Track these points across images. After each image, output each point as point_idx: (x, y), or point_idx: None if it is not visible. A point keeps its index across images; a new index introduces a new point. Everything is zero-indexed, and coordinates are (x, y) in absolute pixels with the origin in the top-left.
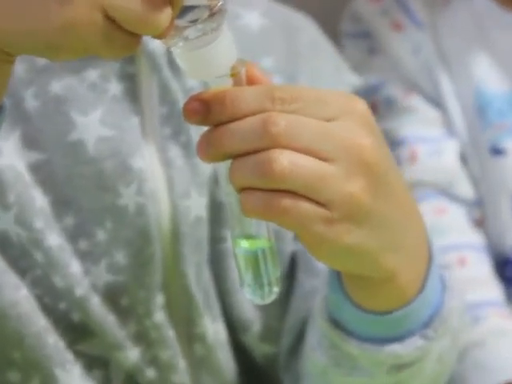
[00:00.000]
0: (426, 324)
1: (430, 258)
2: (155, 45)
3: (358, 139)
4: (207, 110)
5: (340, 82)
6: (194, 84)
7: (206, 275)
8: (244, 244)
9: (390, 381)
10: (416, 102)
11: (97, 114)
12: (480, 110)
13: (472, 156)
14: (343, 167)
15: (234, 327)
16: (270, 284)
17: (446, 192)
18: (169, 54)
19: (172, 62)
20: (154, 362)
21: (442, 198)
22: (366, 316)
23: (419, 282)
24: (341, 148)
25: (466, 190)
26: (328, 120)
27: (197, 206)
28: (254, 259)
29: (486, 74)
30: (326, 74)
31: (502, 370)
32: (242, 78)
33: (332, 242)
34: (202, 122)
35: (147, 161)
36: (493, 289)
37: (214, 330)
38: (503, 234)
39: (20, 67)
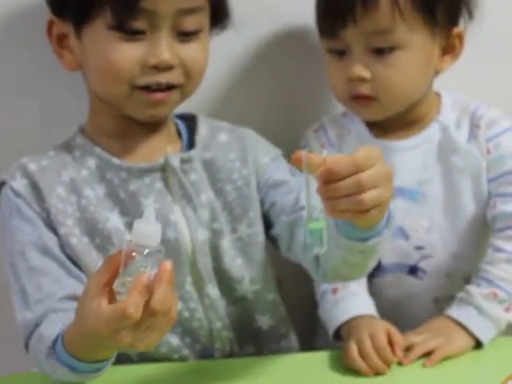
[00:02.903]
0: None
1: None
2: (175, 165)
3: (388, 171)
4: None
5: (271, 151)
6: (197, 178)
7: (210, 265)
8: (312, 225)
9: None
10: None
11: (152, 198)
12: None
13: None
14: (383, 188)
15: (230, 285)
16: (319, 244)
17: None
18: (181, 168)
19: (185, 173)
20: (187, 300)
21: None
22: (363, 232)
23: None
24: (381, 178)
25: None
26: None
27: (202, 235)
28: (313, 233)
29: None
30: (262, 151)
31: (353, 311)
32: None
33: (374, 217)
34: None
35: (176, 216)
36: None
37: (214, 292)
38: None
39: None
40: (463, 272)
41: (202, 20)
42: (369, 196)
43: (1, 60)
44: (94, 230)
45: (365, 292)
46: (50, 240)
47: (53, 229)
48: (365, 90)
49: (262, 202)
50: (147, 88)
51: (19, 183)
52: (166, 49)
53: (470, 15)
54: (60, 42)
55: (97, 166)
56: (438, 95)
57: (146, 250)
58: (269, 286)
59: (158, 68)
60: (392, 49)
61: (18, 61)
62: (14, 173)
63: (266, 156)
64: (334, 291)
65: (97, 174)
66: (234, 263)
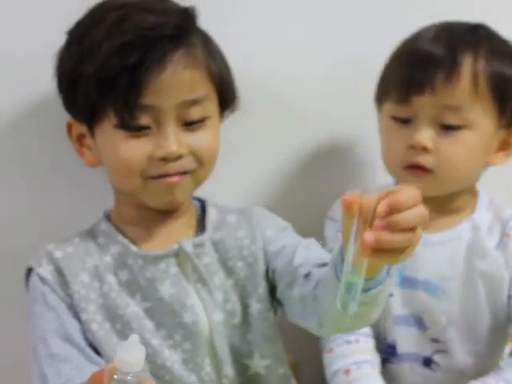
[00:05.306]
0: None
1: None
2: (189, 250)
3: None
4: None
5: (277, 224)
6: (209, 261)
7: (226, 344)
8: (349, 278)
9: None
10: None
11: (168, 283)
12: None
13: None
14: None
15: (243, 362)
16: (354, 301)
17: None
18: (194, 255)
19: (198, 257)
20: (207, 382)
21: None
22: (368, 280)
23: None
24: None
25: None
26: None
27: (218, 316)
28: (350, 288)
29: None
30: (268, 225)
31: None
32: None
33: (402, 259)
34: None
35: (193, 300)
36: (370, 354)
37: (231, 371)
38: (387, 333)
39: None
40: (477, 369)
41: (207, 108)
42: (419, 232)
43: (34, 143)
44: (115, 316)
45: (378, 374)
46: (72, 327)
47: (75, 314)
48: (424, 160)
49: (266, 273)
50: (160, 177)
51: (45, 270)
52: (173, 140)
53: None
54: (80, 141)
55: (119, 253)
56: (476, 192)
57: (129, 376)
58: (279, 361)
59: (167, 159)
60: (460, 127)
61: (51, 144)
62: (41, 259)
63: (272, 229)
64: (347, 372)
65: (119, 260)
66: (245, 338)
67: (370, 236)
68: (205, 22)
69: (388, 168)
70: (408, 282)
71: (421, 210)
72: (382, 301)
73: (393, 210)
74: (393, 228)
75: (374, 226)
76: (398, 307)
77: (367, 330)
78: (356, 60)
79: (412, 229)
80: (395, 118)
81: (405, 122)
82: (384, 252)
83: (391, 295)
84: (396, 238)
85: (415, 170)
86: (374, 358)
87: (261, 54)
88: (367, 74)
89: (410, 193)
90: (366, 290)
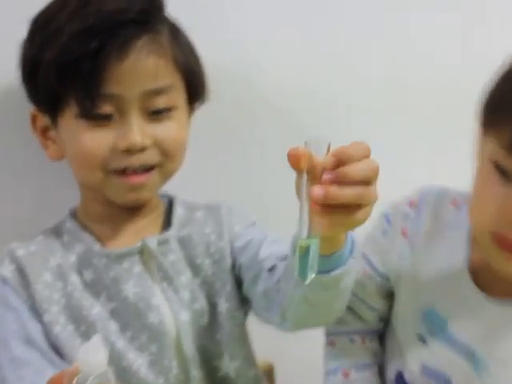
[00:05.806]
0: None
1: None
2: (152, 247)
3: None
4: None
5: (245, 220)
6: (174, 258)
7: (193, 345)
8: (304, 241)
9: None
10: None
11: (131, 283)
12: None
13: None
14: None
15: (212, 363)
16: (311, 267)
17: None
18: (159, 252)
19: (163, 254)
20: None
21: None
22: (328, 258)
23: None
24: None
25: None
26: None
27: (184, 316)
28: (306, 251)
29: None
30: (236, 221)
31: None
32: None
33: (360, 220)
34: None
35: (158, 299)
36: (373, 356)
37: (199, 373)
38: (410, 374)
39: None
40: None
41: (173, 98)
42: (373, 188)
43: None
44: (79, 317)
45: (376, 381)
46: (34, 329)
47: (37, 316)
48: None
49: (233, 268)
50: (123, 172)
51: (7, 269)
52: (136, 131)
53: None
54: (44, 133)
55: (84, 252)
56: None
57: (91, 377)
58: (249, 362)
59: (130, 151)
60: None
61: (11, 147)
62: (3, 258)
63: (240, 225)
64: (346, 374)
65: (84, 259)
66: (214, 339)
67: (318, 190)
68: (176, 13)
69: (471, 223)
70: (450, 341)
71: (371, 162)
72: (345, 288)
73: (341, 161)
74: (341, 180)
75: (322, 179)
76: (430, 358)
77: (372, 329)
78: (333, 50)
79: (364, 182)
80: (498, 167)
81: (508, 175)
82: (335, 210)
83: (424, 341)
84: (346, 192)
85: (507, 247)
86: (376, 362)
87: (236, 45)
88: (346, 65)
89: (359, 144)
90: (328, 270)
